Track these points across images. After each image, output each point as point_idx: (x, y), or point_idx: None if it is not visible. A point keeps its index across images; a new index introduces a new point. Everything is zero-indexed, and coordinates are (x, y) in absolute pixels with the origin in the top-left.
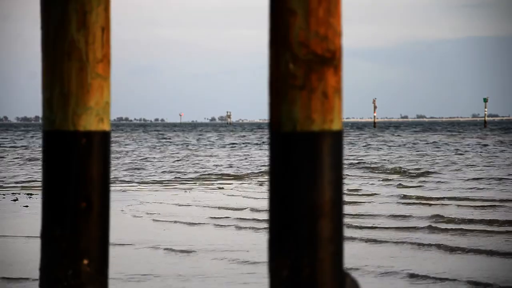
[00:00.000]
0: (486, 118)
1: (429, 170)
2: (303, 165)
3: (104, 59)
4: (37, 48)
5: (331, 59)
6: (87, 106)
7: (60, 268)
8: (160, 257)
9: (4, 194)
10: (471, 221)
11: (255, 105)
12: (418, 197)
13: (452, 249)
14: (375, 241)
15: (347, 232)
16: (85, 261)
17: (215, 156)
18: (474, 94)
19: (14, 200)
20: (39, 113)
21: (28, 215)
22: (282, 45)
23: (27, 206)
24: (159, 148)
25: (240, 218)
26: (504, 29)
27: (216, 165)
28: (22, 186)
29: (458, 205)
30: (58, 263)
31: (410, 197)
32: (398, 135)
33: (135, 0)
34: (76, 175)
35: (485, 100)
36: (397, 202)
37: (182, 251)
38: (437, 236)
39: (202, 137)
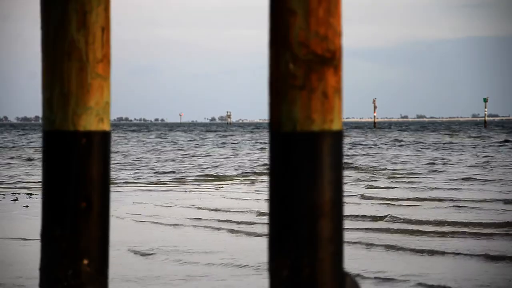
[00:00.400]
0: (486, 118)
1: (416, 171)
2: (303, 165)
3: (104, 59)
4: (37, 48)
5: (331, 59)
6: (87, 106)
7: (60, 268)
8: (119, 259)
9: (4, 194)
10: (427, 222)
11: (255, 105)
12: (383, 198)
13: (402, 250)
14: None
15: None
16: (85, 261)
17: (215, 156)
18: (474, 94)
19: (14, 200)
20: (39, 113)
21: (28, 215)
22: (282, 45)
23: (27, 206)
24: (158, 148)
25: (221, 220)
26: (504, 29)
27: (216, 165)
28: (22, 186)
29: (424, 206)
30: (58, 263)
31: (375, 198)
32: (398, 135)
33: (135, 0)
34: (76, 175)
35: (485, 100)
36: (357, 203)
37: (142, 254)
38: (389, 236)
39: (202, 137)
